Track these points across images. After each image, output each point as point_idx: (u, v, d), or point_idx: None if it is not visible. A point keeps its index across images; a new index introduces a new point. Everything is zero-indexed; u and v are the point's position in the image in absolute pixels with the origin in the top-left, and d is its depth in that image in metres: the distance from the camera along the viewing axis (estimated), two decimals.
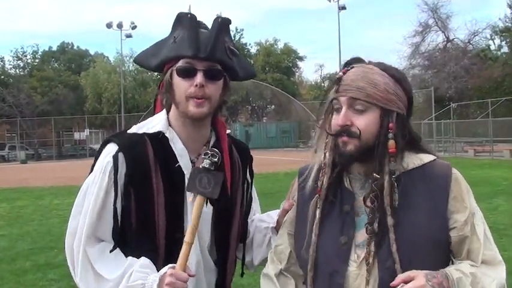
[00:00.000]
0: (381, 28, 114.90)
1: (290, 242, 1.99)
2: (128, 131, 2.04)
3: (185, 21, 1.97)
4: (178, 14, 2.01)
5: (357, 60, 1.90)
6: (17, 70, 62.15)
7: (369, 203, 1.78)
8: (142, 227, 1.93)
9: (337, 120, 1.81)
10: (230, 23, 2.03)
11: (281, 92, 49.15)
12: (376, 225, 1.75)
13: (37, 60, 62.97)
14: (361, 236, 1.79)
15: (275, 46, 60.53)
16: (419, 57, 46.24)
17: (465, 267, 1.72)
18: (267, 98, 57.17)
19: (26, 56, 62.49)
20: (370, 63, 1.88)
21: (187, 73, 1.94)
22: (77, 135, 63.15)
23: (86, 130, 53.32)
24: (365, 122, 1.78)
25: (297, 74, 64.42)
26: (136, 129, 2.04)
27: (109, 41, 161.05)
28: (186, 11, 2.02)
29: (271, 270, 1.98)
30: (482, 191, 13.28)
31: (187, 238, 1.87)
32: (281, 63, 58.09)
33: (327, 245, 1.82)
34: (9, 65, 61.94)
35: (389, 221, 1.74)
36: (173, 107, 2.03)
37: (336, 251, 1.80)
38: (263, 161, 5.50)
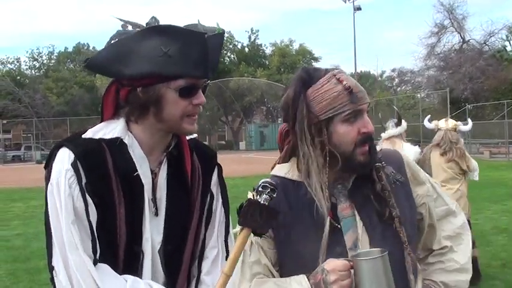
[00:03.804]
0: (396, 29, 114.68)
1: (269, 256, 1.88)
2: (83, 136, 1.85)
3: (189, 37, 1.80)
4: (169, 25, 1.82)
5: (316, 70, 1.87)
6: (33, 71, 62.82)
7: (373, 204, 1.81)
8: (103, 241, 1.78)
9: (358, 128, 1.77)
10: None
11: None
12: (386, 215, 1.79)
13: (53, 61, 63.49)
14: (349, 238, 1.79)
15: (290, 47, 60.37)
16: (434, 58, 45.96)
17: (436, 276, 1.93)
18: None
19: (41, 56, 63.17)
20: (327, 70, 1.85)
21: (189, 93, 1.82)
22: None
23: None
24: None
25: None
26: (91, 133, 1.86)
27: None
28: (194, 23, 1.90)
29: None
30: (497, 193, 13.19)
31: (226, 270, 1.72)
32: (296, 64, 57.85)
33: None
34: (25, 65, 62.72)
35: (396, 212, 1.79)
36: (145, 119, 1.85)
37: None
38: None
